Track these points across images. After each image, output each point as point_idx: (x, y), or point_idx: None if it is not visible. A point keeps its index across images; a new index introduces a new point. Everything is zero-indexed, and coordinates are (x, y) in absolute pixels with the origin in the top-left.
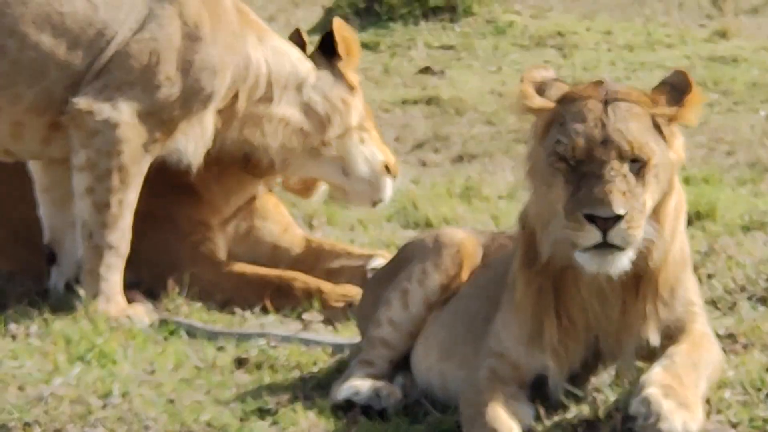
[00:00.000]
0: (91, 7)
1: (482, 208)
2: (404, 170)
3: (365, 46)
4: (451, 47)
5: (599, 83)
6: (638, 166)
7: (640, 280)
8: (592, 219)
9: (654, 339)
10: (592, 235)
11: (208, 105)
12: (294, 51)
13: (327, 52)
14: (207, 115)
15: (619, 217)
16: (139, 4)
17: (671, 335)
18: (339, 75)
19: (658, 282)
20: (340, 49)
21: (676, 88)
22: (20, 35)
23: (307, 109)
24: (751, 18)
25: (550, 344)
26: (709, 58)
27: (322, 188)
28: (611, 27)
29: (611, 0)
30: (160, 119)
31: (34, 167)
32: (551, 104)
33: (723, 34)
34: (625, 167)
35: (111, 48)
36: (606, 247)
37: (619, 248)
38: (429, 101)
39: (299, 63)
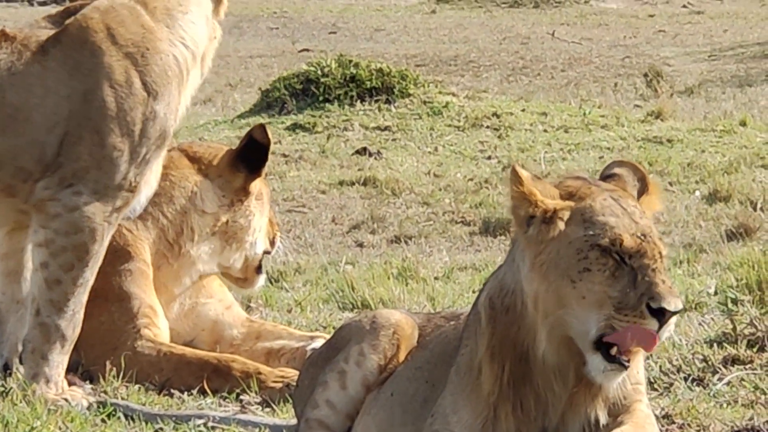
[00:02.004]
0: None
1: (419, 289)
2: (341, 251)
3: (302, 127)
4: (387, 128)
5: (585, 179)
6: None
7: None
8: (659, 313)
9: (603, 417)
10: (652, 326)
11: (162, 149)
12: None
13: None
14: (160, 160)
15: (678, 311)
16: (59, 86)
17: (616, 413)
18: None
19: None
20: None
21: (635, 178)
22: None
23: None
24: (685, 99)
25: None
26: (644, 138)
27: (262, 279)
28: (547, 108)
29: (546, 81)
30: (121, 187)
31: None
32: (566, 203)
33: (658, 115)
34: (664, 263)
35: (53, 139)
36: (620, 365)
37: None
38: (365, 182)
39: None
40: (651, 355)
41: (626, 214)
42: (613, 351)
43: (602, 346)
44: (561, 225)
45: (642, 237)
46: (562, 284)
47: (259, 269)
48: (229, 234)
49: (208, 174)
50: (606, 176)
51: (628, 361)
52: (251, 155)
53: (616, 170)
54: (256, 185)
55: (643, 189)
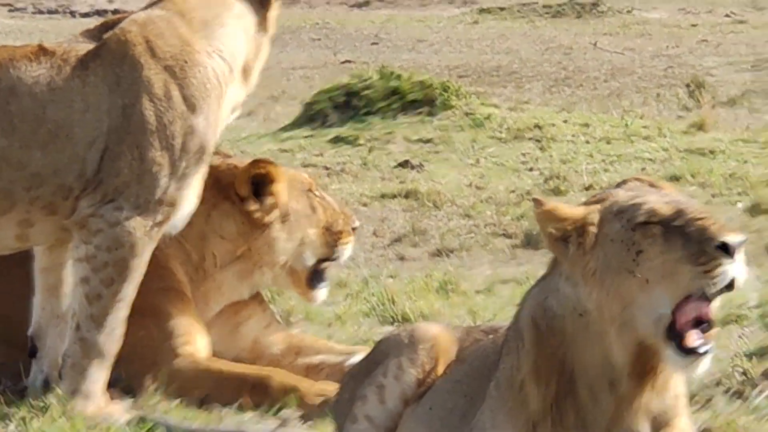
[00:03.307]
0: (61, 114)
1: (460, 303)
2: (382, 264)
3: (344, 140)
4: (429, 140)
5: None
6: None
7: (643, 372)
8: (724, 248)
9: (646, 430)
10: (728, 267)
11: (202, 164)
12: None
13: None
14: (200, 176)
15: (744, 241)
16: (100, 101)
17: (658, 427)
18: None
19: (659, 373)
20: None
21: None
22: None
23: None
24: (728, 110)
25: None
26: (686, 150)
27: (321, 293)
28: (589, 119)
29: (589, 93)
30: (161, 202)
31: (38, 246)
32: (590, 207)
33: (700, 126)
34: None
35: (93, 155)
36: (697, 354)
37: (706, 354)
38: (407, 195)
39: None
40: None
41: (652, 191)
42: (689, 341)
43: (675, 337)
44: (593, 229)
45: (676, 202)
46: (621, 281)
47: (311, 282)
48: (255, 259)
49: (228, 197)
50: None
51: (705, 346)
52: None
53: (629, 183)
54: (274, 213)
55: None
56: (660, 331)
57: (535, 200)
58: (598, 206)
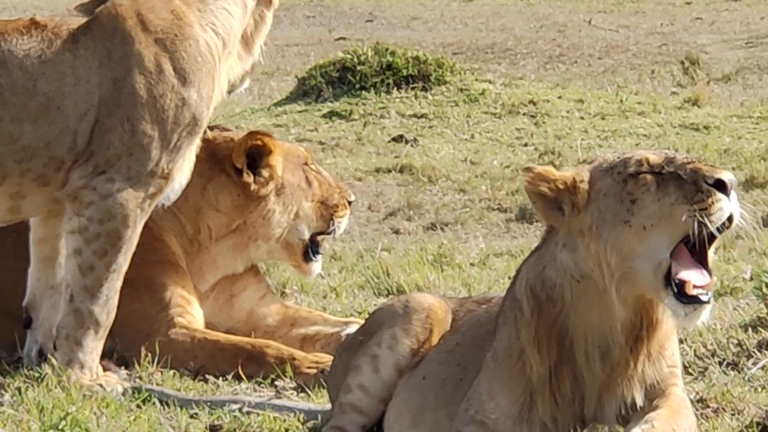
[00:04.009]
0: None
1: (454, 276)
2: (377, 238)
3: (338, 115)
4: (423, 116)
5: None
6: None
7: (638, 337)
8: (720, 185)
9: (639, 399)
10: (724, 203)
11: (194, 137)
12: None
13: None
14: (194, 148)
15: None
16: (90, 74)
17: (652, 396)
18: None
19: (653, 339)
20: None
21: None
22: None
23: None
24: (722, 86)
25: (540, 420)
26: (681, 125)
27: (315, 266)
28: (583, 95)
29: (583, 69)
30: (153, 174)
31: (33, 218)
32: (582, 167)
33: (695, 102)
34: None
35: (84, 127)
36: (697, 302)
37: (707, 302)
38: (401, 170)
39: None
40: (686, 339)
41: (641, 150)
42: (689, 288)
43: (674, 284)
44: (584, 186)
45: (665, 152)
46: (618, 233)
47: (306, 255)
48: (251, 232)
49: (224, 169)
50: None
51: (705, 295)
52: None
53: None
54: (270, 185)
55: None
56: (659, 278)
57: (526, 168)
58: (588, 166)
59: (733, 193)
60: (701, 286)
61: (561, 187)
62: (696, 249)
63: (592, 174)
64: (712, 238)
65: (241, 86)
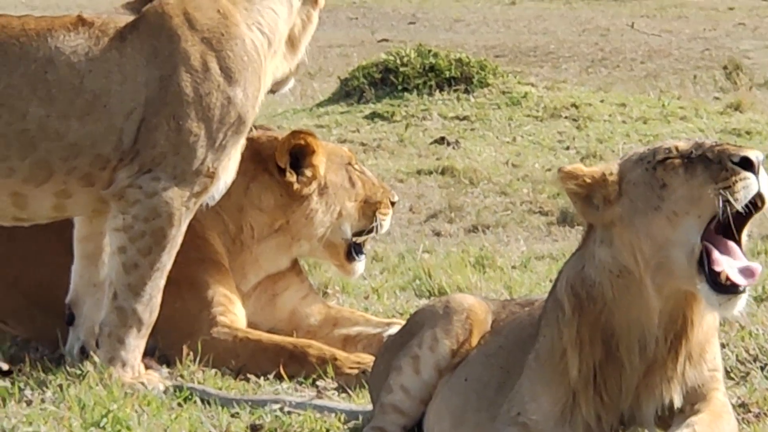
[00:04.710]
0: (98, 84)
1: (496, 278)
2: (419, 240)
3: (380, 116)
4: (465, 118)
5: None
6: None
7: (677, 335)
8: (745, 163)
9: (678, 400)
10: (751, 180)
11: (240, 136)
12: None
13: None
14: (239, 147)
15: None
16: (137, 72)
17: (693, 400)
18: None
19: (693, 339)
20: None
21: None
22: (8, 108)
23: None
24: (764, 91)
25: (584, 421)
26: (723, 131)
27: (359, 266)
28: (626, 99)
29: (625, 73)
30: (199, 173)
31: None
32: (611, 162)
33: (737, 107)
34: None
35: (131, 126)
36: (733, 292)
37: (742, 292)
38: (443, 171)
39: None
40: (727, 343)
41: (671, 140)
42: (723, 276)
43: (708, 273)
44: (614, 178)
45: (693, 140)
46: (650, 220)
47: (349, 255)
48: (293, 231)
49: (267, 169)
50: None
51: (740, 286)
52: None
53: None
54: (313, 185)
55: None
56: (693, 265)
57: (559, 169)
58: (618, 160)
59: (763, 172)
60: (737, 275)
61: (589, 182)
62: (731, 234)
63: (622, 167)
64: (742, 219)
65: (286, 86)
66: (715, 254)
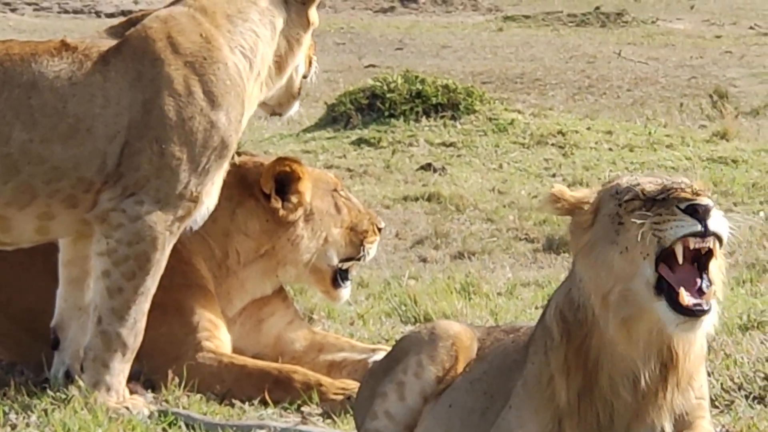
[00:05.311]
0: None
1: (481, 305)
2: (404, 266)
3: (367, 142)
4: (452, 144)
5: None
6: None
7: (668, 366)
8: (691, 210)
9: (669, 428)
10: (690, 223)
11: (223, 160)
12: None
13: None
14: (222, 172)
15: (711, 207)
16: (120, 96)
17: (680, 427)
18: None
19: (681, 369)
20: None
21: None
22: None
23: None
24: (751, 120)
25: None
26: (709, 159)
27: (344, 292)
28: (612, 127)
29: (612, 100)
30: (182, 197)
31: (62, 239)
32: (592, 190)
33: (723, 136)
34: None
35: (114, 149)
36: (692, 314)
37: (707, 310)
38: (429, 198)
39: None
40: (712, 372)
41: (650, 176)
42: (682, 299)
43: (666, 293)
44: (590, 211)
45: (665, 182)
46: (605, 250)
47: (335, 281)
48: (279, 257)
49: (253, 194)
50: None
51: (701, 306)
52: (281, 186)
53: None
54: (298, 211)
55: None
56: (651, 290)
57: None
58: (600, 189)
59: (714, 215)
60: (697, 296)
61: (568, 207)
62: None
63: (601, 196)
64: (706, 254)
65: (291, 110)
66: (672, 280)
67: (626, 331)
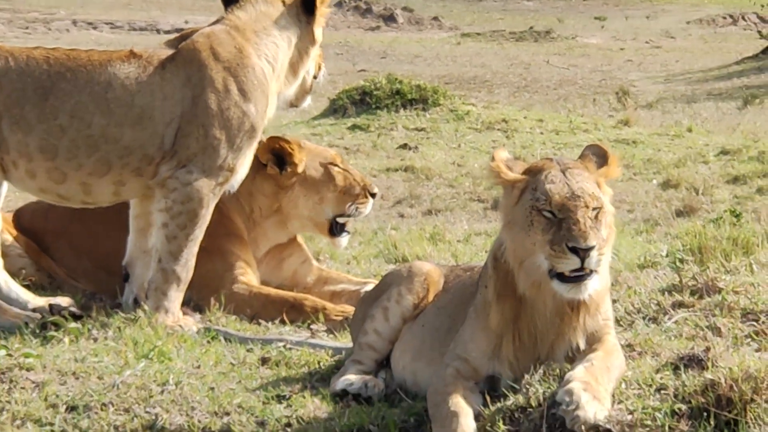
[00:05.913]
0: (145, 101)
1: (445, 249)
2: (387, 220)
3: (359, 127)
4: (422, 129)
5: (550, 159)
6: (596, 212)
7: (581, 301)
8: (574, 250)
9: (582, 344)
10: (574, 261)
11: (253, 140)
12: None
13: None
14: (252, 149)
15: (591, 248)
16: (175, 92)
17: (591, 342)
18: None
19: (589, 305)
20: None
21: (597, 156)
22: (78, 119)
23: None
24: (646, 111)
25: (506, 358)
26: (615, 140)
27: (341, 240)
28: (543, 116)
29: (543, 96)
30: (222, 168)
31: (131, 199)
32: (522, 176)
33: (626, 123)
34: (589, 213)
35: (170, 132)
36: (579, 278)
37: (589, 275)
38: (406, 169)
39: None
40: (618, 299)
41: (564, 181)
42: (566, 275)
43: (555, 275)
44: (516, 193)
45: (569, 196)
46: (520, 233)
47: (331, 231)
48: (285, 212)
49: (267, 165)
50: (581, 155)
51: (581, 273)
52: (280, 159)
53: (586, 151)
54: (292, 179)
55: (603, 162)
56: (545, 272)
57: (493, 152)
58: (527, 178)
59: (592, 254)
60: (576, 271)
61: (502, 184)
62: None
63: (527, 184)
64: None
65: (305, 102)
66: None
67: (536, 290)
